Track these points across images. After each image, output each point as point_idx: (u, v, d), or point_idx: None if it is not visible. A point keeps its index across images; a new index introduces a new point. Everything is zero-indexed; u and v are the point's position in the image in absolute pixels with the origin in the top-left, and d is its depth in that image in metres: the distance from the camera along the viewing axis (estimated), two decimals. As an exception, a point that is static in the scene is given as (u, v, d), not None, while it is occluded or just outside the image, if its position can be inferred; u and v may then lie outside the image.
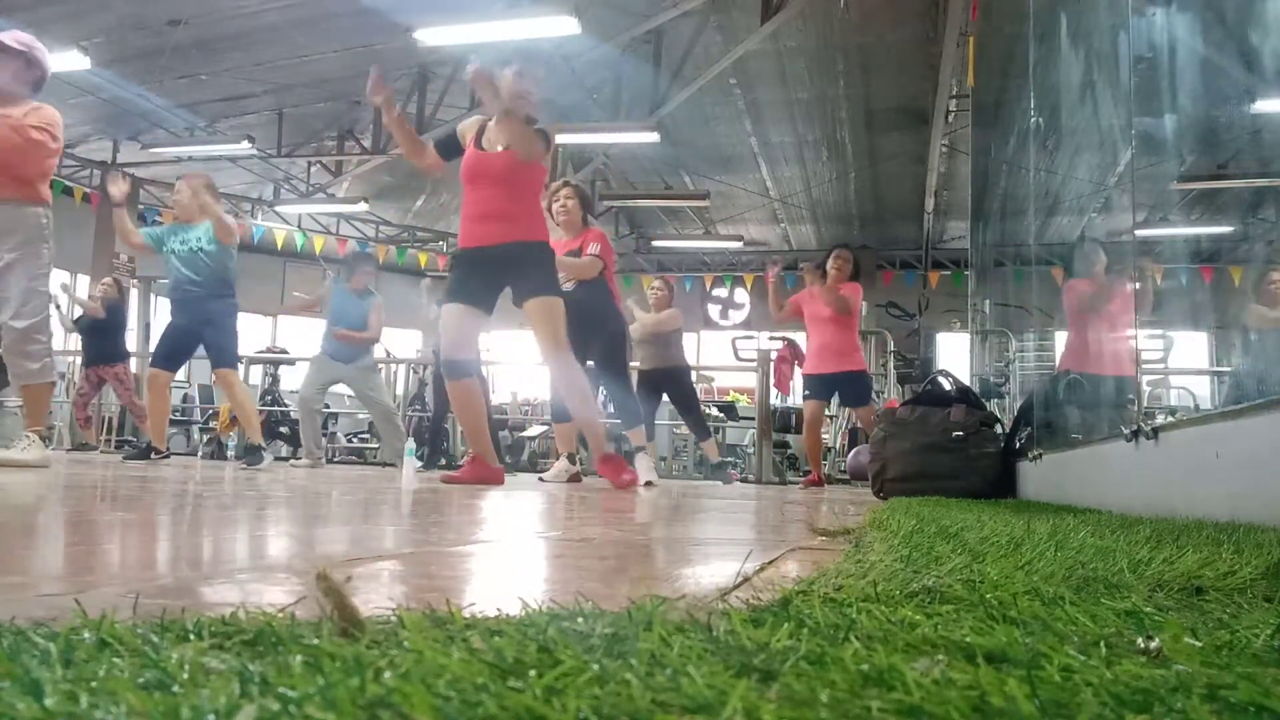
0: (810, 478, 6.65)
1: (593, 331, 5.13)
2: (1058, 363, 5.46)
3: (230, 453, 9.69)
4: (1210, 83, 3.22)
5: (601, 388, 5.52)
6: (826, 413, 10.63)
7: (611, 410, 6.25)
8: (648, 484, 4.80)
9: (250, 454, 5.77)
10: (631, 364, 7.24)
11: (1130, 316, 3.67)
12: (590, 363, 5.35)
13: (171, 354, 5.75)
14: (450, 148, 4.18)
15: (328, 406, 12.86)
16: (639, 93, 10.87)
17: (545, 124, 5.10)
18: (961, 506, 2.70)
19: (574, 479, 4.95)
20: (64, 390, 11.21)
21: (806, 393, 6.58)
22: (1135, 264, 3.57)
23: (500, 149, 3.98)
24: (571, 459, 5.12)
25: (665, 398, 7.25)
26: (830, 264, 6.48)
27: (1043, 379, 6.28)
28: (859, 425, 6.68)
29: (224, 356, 5.73)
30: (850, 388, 6.37)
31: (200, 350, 6.45)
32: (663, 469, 12.21)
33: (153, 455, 5.80)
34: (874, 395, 7.42)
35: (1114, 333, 4.26)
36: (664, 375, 6.89)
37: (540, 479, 4.60)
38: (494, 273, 3.98)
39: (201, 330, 5.64)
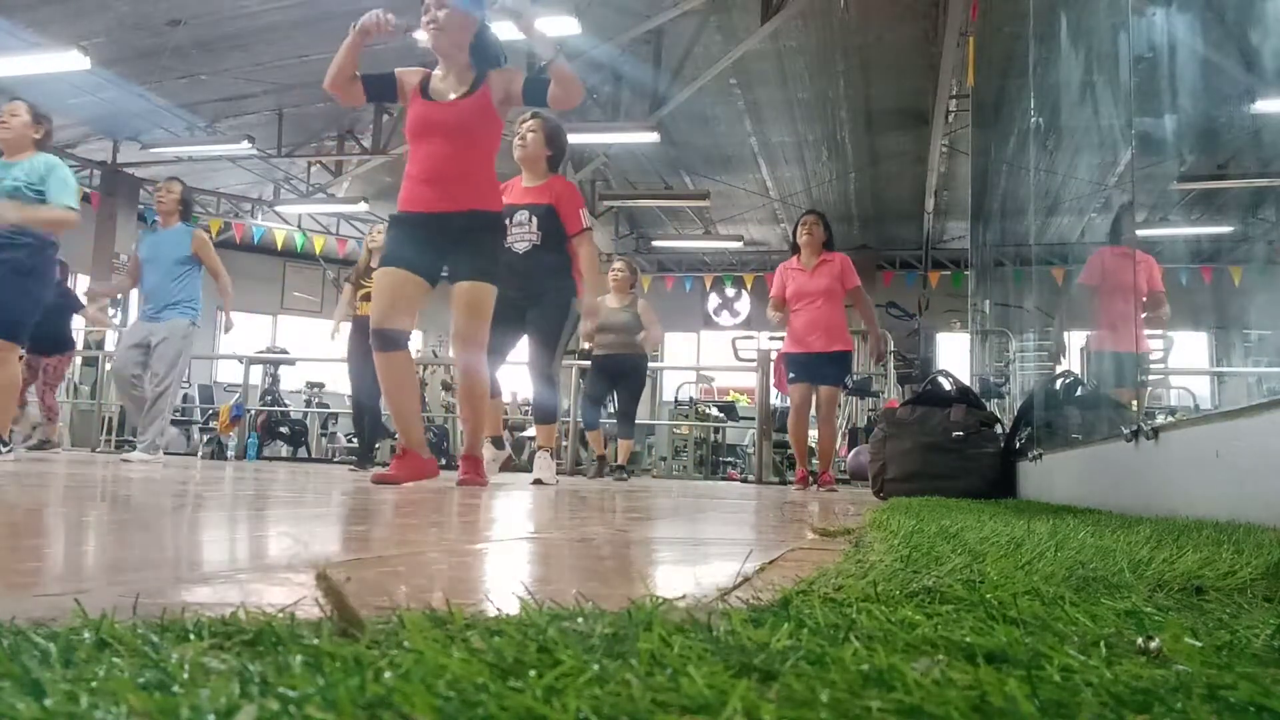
0: (800, 474, 6.16)
1: (536, 299, 4.53)
2: (1086, 343, 5.10)
3: (230, 453, 9.70)
4: (1210, 82, 3.23)
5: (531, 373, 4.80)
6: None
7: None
8: (537, 482, 4.39)
9: None
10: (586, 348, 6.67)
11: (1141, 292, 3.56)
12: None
13: None
14: (381, 88, 3.67)
15: (326, 406, 12.93)
16: (639, 93, 10.88)
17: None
18: (961, 506, 2.70)
19: (506, 464, 4.66)
20: (67, 391, 11.22)
21: (792, 375, 5.96)
22: (1135, 264, 3.57)
23: (452, 98, 3.55)
24: (498, 442, 4.62)
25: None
26: (800, 234, 5.89)
27: (1045, 376, 6.24)
28: (823, 407, 5.86)
29: (5, 321, 4.40)
30: (833, 367, 5.87)
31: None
32: (663, 469, 12.24)
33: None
34: (848, 379, 6.98)
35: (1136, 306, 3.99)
36: (625, 363, 6.45)
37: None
38: (440, 241, 3.53)
39: None
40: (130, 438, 12.37)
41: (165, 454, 5.43)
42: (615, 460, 6.88)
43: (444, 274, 3.67)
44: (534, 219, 4.53)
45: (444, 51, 3.60)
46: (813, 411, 6.09)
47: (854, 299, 5.91)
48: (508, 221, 4.43)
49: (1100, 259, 4.71)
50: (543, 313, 4.54)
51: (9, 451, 4.66)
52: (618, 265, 6.69)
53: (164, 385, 5.45)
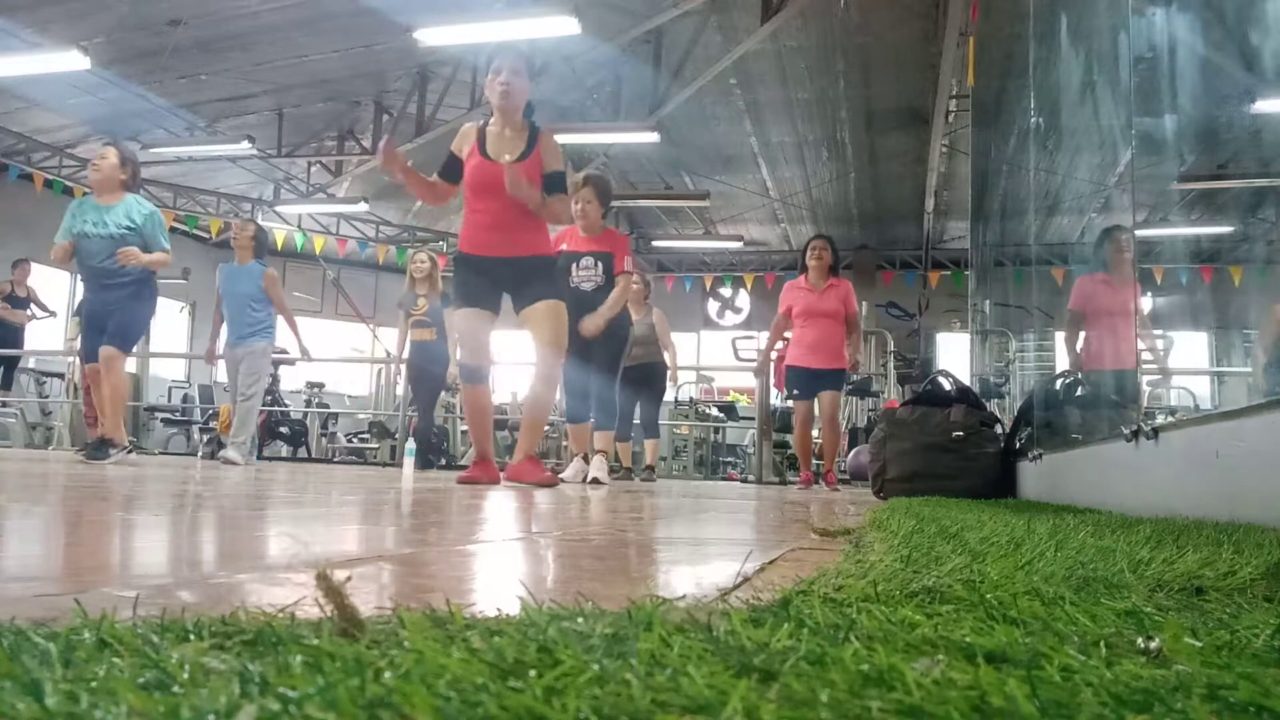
0: (804, 477, 6.62)
1: (601, 333, 5.26)
2: (1077, 360, 5.21)
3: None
4: (1210, 83, 3.23)
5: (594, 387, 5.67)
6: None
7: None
8: (594, 481, 4.93)
9: (97, 449, 5.21)
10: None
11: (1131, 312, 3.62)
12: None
13: (95, 344, 5.29)
14: (453, 170, 4.20)
15: (326, 406, 12.92)
16: (639, 93, 10.86)
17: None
18: (961, 506, 2.70)
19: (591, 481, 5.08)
20: (67, 391, 11.21)
21: (796, 392, 6.51)
22: (1135, 264, 3.57)
23: (507, 159, 4.01)
24: (587, 459, 5.31)
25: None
26: (810, 257, 6.43)
27: (1044, 378, 6.23)
28: (823, 414, 6.52)
29: (122, 337, 5.28)
30: (833, 378, 6.43)
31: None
32: (663, 469, 12.22)
33: (112, 451, 5.24)
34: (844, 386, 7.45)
35: (1124, 328, 4.08)
36: (649, 371, 7.07)
37: (561, 479, 4.74)
38: (501, 281, 4.14)
39: (111, 310, 5.22)
40: (132, 438, 12.36)
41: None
42: (644, 462, 7.44)
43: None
44: (599, 264, 5.50)
45: (508, 113, 4.13)
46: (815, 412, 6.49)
47: (850, 325, 6.52)
48: (574, 265, 5.45)
49: (1085, 286, 4.84)
50: (607, 344, 5.41)
51: (121, 454, 5.27)
52: (634, 278, 7.05)
53: (249, 395, 6.47)
